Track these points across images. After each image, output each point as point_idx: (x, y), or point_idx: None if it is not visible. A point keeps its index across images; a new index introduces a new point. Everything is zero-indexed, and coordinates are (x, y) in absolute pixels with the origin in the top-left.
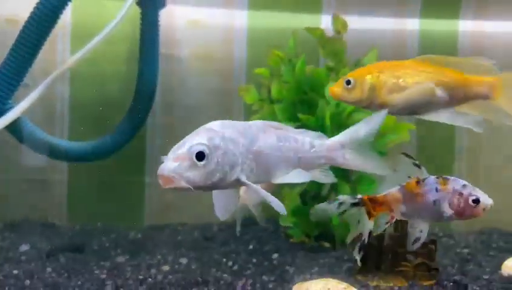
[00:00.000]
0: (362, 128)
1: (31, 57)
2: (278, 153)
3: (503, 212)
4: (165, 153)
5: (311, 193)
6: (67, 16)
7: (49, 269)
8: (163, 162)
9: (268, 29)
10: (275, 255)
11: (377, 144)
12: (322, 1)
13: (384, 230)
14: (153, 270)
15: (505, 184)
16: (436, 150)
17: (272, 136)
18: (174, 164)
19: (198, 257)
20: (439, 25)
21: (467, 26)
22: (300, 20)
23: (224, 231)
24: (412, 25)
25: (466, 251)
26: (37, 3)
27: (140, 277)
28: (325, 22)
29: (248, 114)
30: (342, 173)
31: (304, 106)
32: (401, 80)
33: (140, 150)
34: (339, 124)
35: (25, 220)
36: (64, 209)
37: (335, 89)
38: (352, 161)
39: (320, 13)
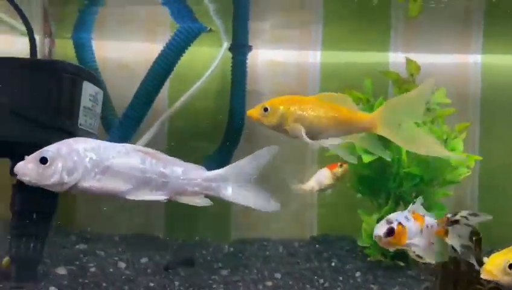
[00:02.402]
0: (248, 163)
1: (151, 102)
2: (136, 172)
3: None
4: None
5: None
6: None
7: (176, 283)
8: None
9: (339, 66)
10: (358, 274)
11: (450, 177)
12: (389, 40)
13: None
14: (260, 286)
15: None
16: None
17: (134, 158)
18: (22, 163)
19: (289, 273)
20: (501, 60)
21: None
22: (369, 58)
23: (304, 247)
24: (475, 59)
25: None
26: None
27: None
28: (392, 60)
29: None
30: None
31: (380, 140)
32: (304, 112)
33: None
34: (413, 158)
35: (135, 234)
36: (162, 223)
37: (254, 112)
38: (235, 195)
39: (388, 51)
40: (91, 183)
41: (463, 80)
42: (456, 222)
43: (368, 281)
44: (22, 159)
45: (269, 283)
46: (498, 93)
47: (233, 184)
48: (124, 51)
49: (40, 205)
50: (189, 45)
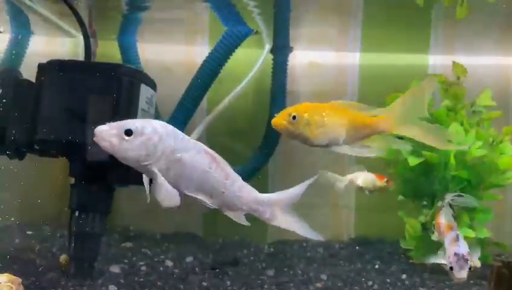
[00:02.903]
0: (297, 191)
1: (199, 102)
2: (201, 173)
3: None
4: (286, 176)
5: (434, 220)
6: None
7: (228, 282)
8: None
9: (378, 68)
10: (404, 276)
11: (497, 180)
12: (429, 42)
13: None
14: (311, 287)
15: None
16: None
17: (203, 158)
18: (106, 128)
19: (335, 274)
20: None
21: None
22: (408, 59)
23: (344, 249)
24: None
25: None
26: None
27: None
28: (432, 62)
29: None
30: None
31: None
32: (324, 119)
33: (264, 172)
34: (462, 162)
35: (175, 233)
36: (200, 222)
37: (281, 121)
38: (282, 220)
39: (428, 53)
40: (160, 168)
41: (505, 82)
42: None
43: (416, 284)
44: (79, 160)
45: (318, 285)
46: None
47: (280, 210)
48: (165, 54)
49: (96, 203)
50: (237, 48)
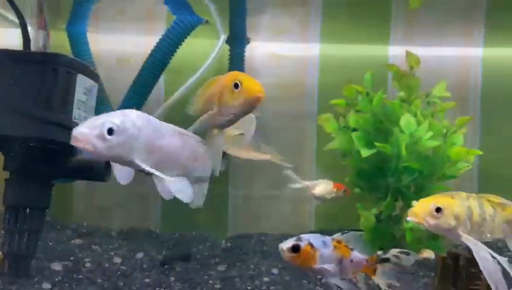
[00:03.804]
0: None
1: (148, 93)
2: (180, 154)
3: None
4: (247, 168)
5: (387, 213)
6: None
7: (172, 278)
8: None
9: (338, 59)
10: None
11: (450, 171)
12: (389, 34)
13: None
14: (257, 282)
15: None
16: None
17: (179, 139)
18: (86, 129)
19: (287, 268)
20: (501, 52)
21: None
22: (368, 51)
23: None
24: (476, 52)
25: None
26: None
27: (249, 288)
28: (391, 52)
29: (320, 135)
30: (414, 196)
31: (380, 134)
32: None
33: (225, 173)
34: (412, 152)
35: (132, 229)
36: (159, 218)
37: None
38: None
39: (388, 44)
40: (142, 159)
41: (464, 73)
42: (386, 260)
43: (367, 277)
44: (14, 153)
45: (266, 279)
46: (499, 86)
47: None
48: (122, 45)
49: (33, 199)
50: (186, 37)
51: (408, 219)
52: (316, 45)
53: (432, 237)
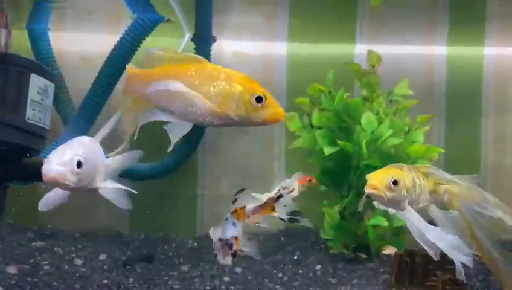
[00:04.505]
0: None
1: (108, 94)
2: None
3: None
4: (216, 168)
5: (349, 210)
6: None
7: (131, 279)
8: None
9: (305, 58)
10: (318, 267)
11: None
12: (355, 32)
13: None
14: (216, 282)
15: None
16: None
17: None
18: (60, 168)
19: (250, 267)
20: (465, 51)
21: (491, 52)
22: (335, 50)
23: (270, 240)
24: (440, 51)
25: None
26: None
27: (208, 288)
28: (358, 51)
29: (289, 134)
30: None
31: (342, 132)
32: None
33: (193, 165)
34: (374, 150)
35: (97, 230)
36: (126, 219)
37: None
38: None
39: (354, 43)
40: (101, 184)
41: (429, 72)
42: (280, 197)
43: (327, 274)
44: None
45: (227, 278)
46: (463, 84)
47: None
48: (85, 44)
49: None
50: (146, 36)
51: (366, 191)
52: (283, 44)
53: (393, 234)
